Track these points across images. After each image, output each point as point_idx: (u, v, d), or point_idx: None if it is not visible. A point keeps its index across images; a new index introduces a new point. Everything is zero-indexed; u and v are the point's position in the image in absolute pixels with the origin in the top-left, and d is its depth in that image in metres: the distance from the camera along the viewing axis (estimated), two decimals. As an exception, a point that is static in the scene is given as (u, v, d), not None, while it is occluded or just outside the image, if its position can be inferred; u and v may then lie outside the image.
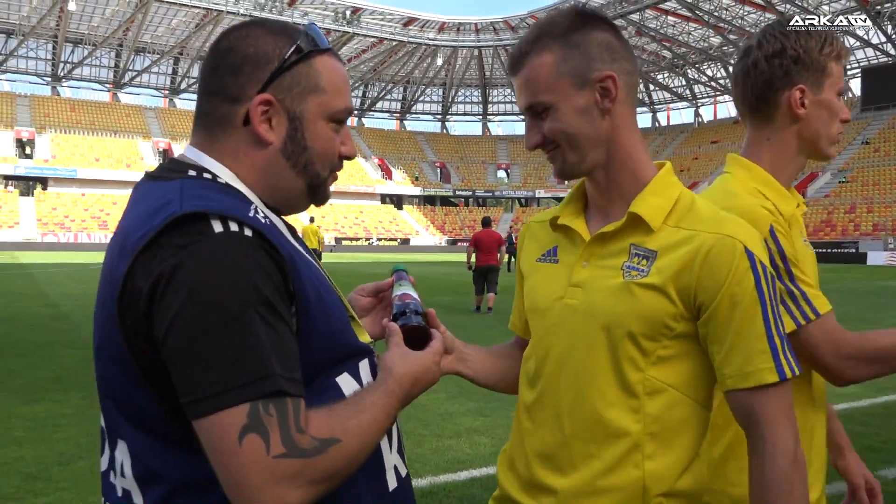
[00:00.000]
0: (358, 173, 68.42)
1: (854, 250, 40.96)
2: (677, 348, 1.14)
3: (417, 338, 1.15)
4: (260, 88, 0.99)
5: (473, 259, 12.58)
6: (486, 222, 12.65)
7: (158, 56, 64.21)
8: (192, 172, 0.99)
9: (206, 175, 0.99)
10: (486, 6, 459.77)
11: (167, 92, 70.15)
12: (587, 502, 1.15)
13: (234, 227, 0.89)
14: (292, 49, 1.01)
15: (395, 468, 1.07)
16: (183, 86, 69.65)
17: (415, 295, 1.22)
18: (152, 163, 60.39)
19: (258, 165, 1.02)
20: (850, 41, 55.91)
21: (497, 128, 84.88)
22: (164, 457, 0.91)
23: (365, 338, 1.09)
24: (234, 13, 55.52)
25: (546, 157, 1.22)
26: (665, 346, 1.14)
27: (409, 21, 64.24)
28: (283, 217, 1.09)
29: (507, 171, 77.12)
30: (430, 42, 66.36)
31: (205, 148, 1.03)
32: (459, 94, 79.69)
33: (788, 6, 50.62)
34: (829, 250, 42.18)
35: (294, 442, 0.84)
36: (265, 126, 1.00)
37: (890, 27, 52.27)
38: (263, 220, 0.94)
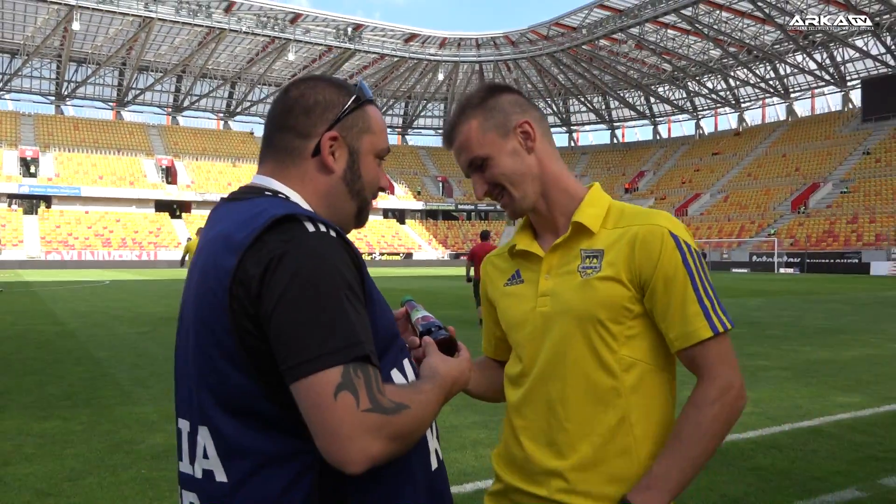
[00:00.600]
0: (360, 188, 68.65)
1: (857, 261, 40.92)
2: (639, 327, 1.35)
3: (447, 348, 1.29)
4: (328, 127, 1.21)
5: (472, 272, 12.58)
6: (485, 235, 12.85)
7: (161, 74, 64.66)
8: (268, 193, 1.19)
9: (280, 195, 1.19)
10: (486, 22, 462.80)
11: (170, 109, 70.57)
12: (591, 475, 1.33)
13: (322, 227, 1.08)
14: (352, 99, 1.23)
15: (436, 451, 1.24)
16: (186, 103, 70.09)
17: (432, 316, 1.35)
18: (155, 180, 60.70)
19: (321, 190, 1.22)
20: (849, 53, 56.16)
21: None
22: (250, 434, 1.05)
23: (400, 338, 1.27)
24: (236, 31, 56.00)
25: (499, 204, 1.44)
26: (629, 326, 1.35)
27: (411, 37, 64.64)
28: None
29: (509, 185, 77.29)
30: (432, 57, 66.73)
31: (275, 175, 1.22)
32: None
33: (787, 18, 50.89)
34: (831, 261, 42.15)
35: (378, 400, 1.00)
36: (331, 157, 1.21)
37: (889, 38, 52.47)
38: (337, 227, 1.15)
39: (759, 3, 48.72)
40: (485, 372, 1.62)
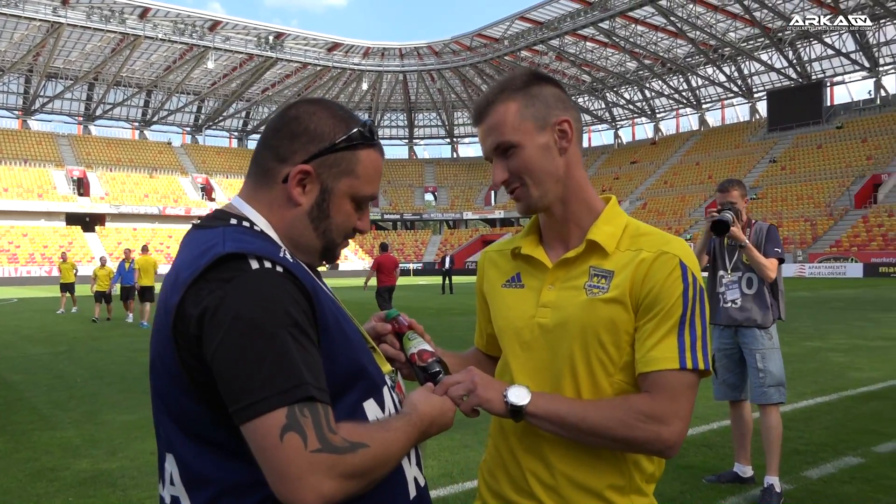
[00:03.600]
0: (284, 199, 67.53)
1: (767, 263, 42.98)
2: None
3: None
4: (307, 159, 1.17)
5: (373, 281, 13.83)
6: (385, 247, 13.86)
7: (72, 82, 61.91)
8: (233, 221, 1.17)
9: (245, 223, 1.17)
10: (408, 32, 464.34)
11: (81, 118, 67.61)
12: (583, 488, 1.32)
13: (267, 264, 1.05)
14: (344, 137, 1.18)
15: (415, 479, 1.22)
16: (98, 112, 67.33)
17: (431, 349, 1.34)
18: (66, 192, 58.00)
19: (286, 220, 1.19)
20: (755, 66, 59.08)
21: (423, 151, 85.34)
22: (212, 463, 1.06)
23: (386, 367, 1.25)
24: (151, 38, 54.23)
25: (510, 195, 1.39)
26: (628, 353, 1.32)
27: (334, 46, 64.15)
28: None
29: (434, 194, 77.56)
30: (355, 67, 66.40)
31: (249, 198, 1.21)
32: (385, 118, 79.89)
33: (698, 33, 53.14)
34: (744, 264, 44.13)
35: (327, 440, 0.99)
36: (298, 190, 1.17)
37: (791, 53, 55.48)
38: (291, 261, 1.11)
39: (672, 18, 50.70)
40: (472, 363, 1.59)
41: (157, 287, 16.01)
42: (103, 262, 18.32)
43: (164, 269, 24.63)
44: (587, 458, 1.32)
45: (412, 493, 1.19)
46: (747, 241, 4.28)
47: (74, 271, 20.00)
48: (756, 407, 4.39)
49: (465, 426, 5.69)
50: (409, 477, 1.20)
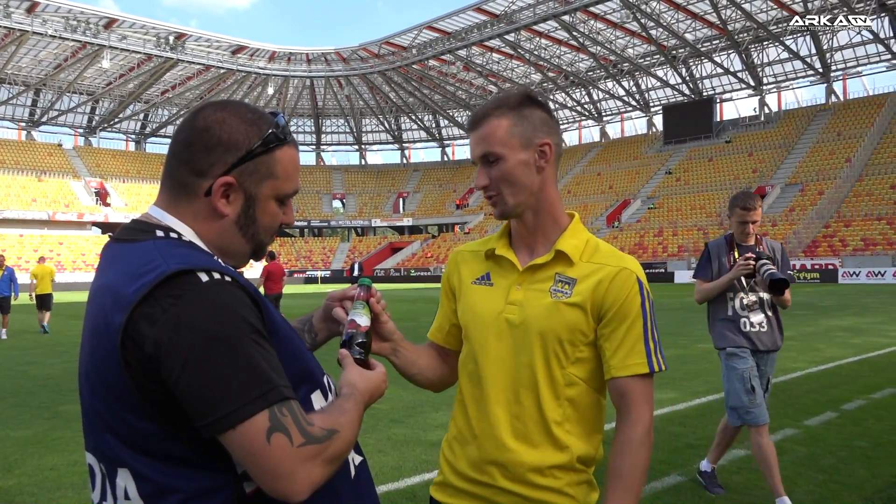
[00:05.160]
0: (185, 205, 65.25)
1: (663, 270, 45.01)
2: (588, 353, 1.52)
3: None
4: (226, 170, 1.16)
5: (262, 289, 13.81)
6: (273, 256, 14.27)
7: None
8: (159, 233, 1.15)
9: (172, 234, 1.15)
10: (314, 38, 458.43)
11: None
12: (532, 459, 1.49)
13: (216, 276, 1.07)
14: (260, 142, 1.18)
15: (352, 459, 1.27)
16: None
17: (362, 322, 1.41)
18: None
19: (213, 231, 1.19)
20: (652, 81, 61.89)
21: (331, 158, 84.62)
22: (170, 473, 1.06)
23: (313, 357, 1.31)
24: (40, 34, 51.34)
25: (488, 201, 1.58)
26: (580, 350, 1.51)
27: (239, 49, 62.71)
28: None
29: (342, 201, 76.96)
30: (261, 71, 65.08)
31: (169, 209, 1.19)
32: (292, 124, 78.63)
33: (599, 48, 55.21)
34: (642, 271, 46.00)
35: (308, 432, 1.05)
36: (223, 201, 1.17)
37: (684, 70, 58.49)
38: (232, 268, 1.14)
39: (574, 34, 52.48)
40: (425, 359, 1.71)
41: (56, 296, 14.98)
42: (42, 259, 16.83)
43: (61, 277, 23.30)
44: (535, 440, 1.50)
45: (352, 472, 1.26)
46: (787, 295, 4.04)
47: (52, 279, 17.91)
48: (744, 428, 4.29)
49: (376, 430, 5.72)
50: (349, 458, 1.25)
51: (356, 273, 28.19)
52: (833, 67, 54.57)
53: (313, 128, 79.75)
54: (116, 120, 70.70)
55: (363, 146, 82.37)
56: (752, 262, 3.97)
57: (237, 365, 1.01)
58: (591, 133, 72.91)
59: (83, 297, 34.37)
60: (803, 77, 57.19)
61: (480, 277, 1.63)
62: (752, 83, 58.02)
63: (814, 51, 52.76)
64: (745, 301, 4.13)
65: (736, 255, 4.21)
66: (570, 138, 74.63)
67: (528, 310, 1.52)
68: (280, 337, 1.15)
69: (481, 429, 1.54)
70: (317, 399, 1.21)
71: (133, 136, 74.30)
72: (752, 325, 4.12)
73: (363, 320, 1.41)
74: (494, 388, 1.53)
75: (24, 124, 66.85)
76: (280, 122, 1.23)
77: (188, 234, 1.17)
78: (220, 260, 1.16)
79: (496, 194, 1.53)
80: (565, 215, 1.61)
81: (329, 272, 61.87)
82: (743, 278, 4.09)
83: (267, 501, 1.08)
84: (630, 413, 1.47)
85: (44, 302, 16.41)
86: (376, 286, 1.54)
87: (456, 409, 1.64)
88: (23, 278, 23.54)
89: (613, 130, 71.32)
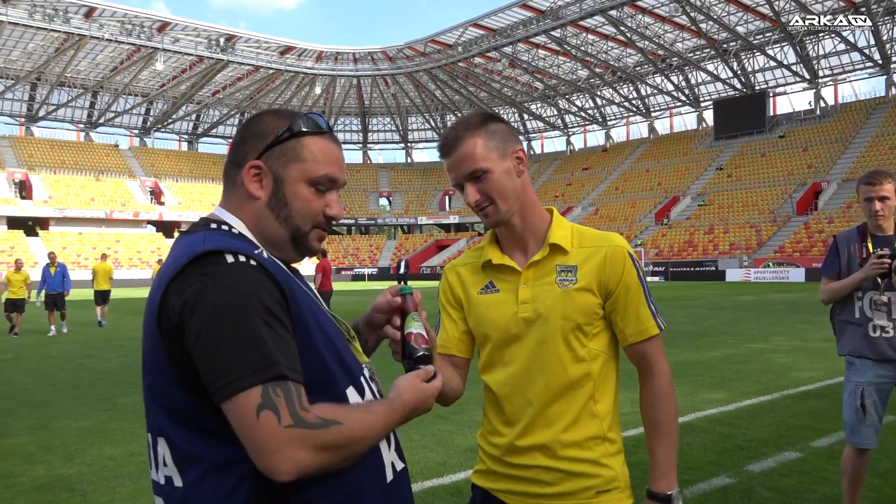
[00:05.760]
0: (236, 203, 66.49)
1: (714, 268, 44.12)
2: (601, 326, 1.69)
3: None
4: (257, 156, 1.28)
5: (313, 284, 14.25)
6: (325, 253, 14.84)
7: (13, 82, 60.00)
8: (213, 225, 1.27)
9: (223, 227, 1.27)
10: (360, 37, 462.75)
11: (23, 119, 65.52)
12: (571, 441, 1.64)
13: (242, 258, 1.16)
14: (286, 129, 1.28)
15: (392, 464, 1.31)
16: (41, 113, 65.37)
17: (426, 334, 1.42)
18: (8, 195, 56.16)
19: (251, 216, 1.29)
20: (702, 76, 60.69)
21: (378, 156, 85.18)
22: (198, 444, 1.15)
23: (362, 358, 1.36)
24: (97, 38, 52.96)
25: (479, 213, 1.68)
26: (595, 326, 1.67)
27: (287, 49, 63.64)
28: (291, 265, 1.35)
29: (388, 199, 77.47)
30: (308, 71, 65.92)
31: (223, 205, 1.32)
32: (339, 122, 79.50)
33: (647, 43, 54.35)
34: (691, 269, 45.17)
35: (300, 416, 1.08)
36: (255, 185, 1.28)
37: (735, 64, 57.18)
38: (266, 257, 1.21)
39: (622, 28, 51.77)
40: (448, 370, 1.75)
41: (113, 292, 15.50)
42: (18, 265, 16.00)
43: (118, 273, 24.07)
44: (570, 417, 1.65)
45: (389, 476, 1.28)
46: None
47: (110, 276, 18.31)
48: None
49: (420, 426, 5.79)
50: (387, 461, 1.29)
51: (402, 270, 28.30)
52: (894, 59, 52.64)
53: (360, 126, 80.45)
54: (170, 121, 72.48)
55: (409, 144, 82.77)
56: (888, 261, 3.33)
57: (242, 340, 1.08)
58: (639, 129, 71.86)
59: (139, 293, 35.38)
60: (861, 69, 55.28)
61: (485, 287, 1.74)
62: (806, 76, 56.35)
63: (872, 42, 50.96)
64: (876, 302, 3.46)
65: (869, 246, 3.52)
66: (617, 134, 73.81)
67: (542, 304, 1.64)
68: (310, 329, 1.20)
69: (517, 418, 1.67)
70: (352, 396, 1.24)
71: (185, 137, 76.06)
72: (882, 330, 3.45)
73: (421, 331, 1.42)
74: (525, 380, 1.66)
75: (82, 126, 69.05)
76: (313, 116, 1.32)
77: (239, 226, 1.28)
78: (265, 252, 1.24)
79: (489, 205, 1.65)
80: (545, 211, 1.75)
81: (376, 269, 62.37)
82: (876, 277, 3.42)
83: (298, 484, 1.11)
84: (652, 369, 1.68)
85: (102, 297, 17.26)
86: (424, 284, 1.56)
87: (487, 407, 1.77)
88: (83, 274, 24.38)
89: (662, 126, 70.25)
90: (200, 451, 1.15)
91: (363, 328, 1.55)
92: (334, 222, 1.35)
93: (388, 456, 1.30)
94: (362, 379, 1.30)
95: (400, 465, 1.33)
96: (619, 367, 1.75)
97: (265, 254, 1.22)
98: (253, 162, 1.27)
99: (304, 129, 1.29)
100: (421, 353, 1.38)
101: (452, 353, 1.80)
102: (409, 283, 29.00)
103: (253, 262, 1.16)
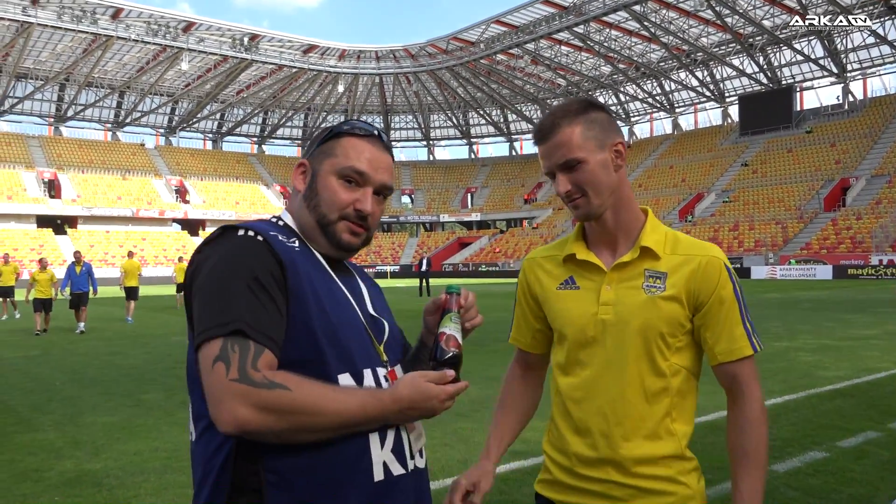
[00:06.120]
0: (260, 201, 67.10)
1: (739, 265, 43.60)
2: (686, 341, 1.57)
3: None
4: (305, 156, 1.44)
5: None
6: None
7: (42, 82, 61.06)
8: (270, 217, 1.43)
9: (274, 218, 1.42)
10: (382, 35, 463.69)
11: (52, 119, 66.65)
12: (643, 452, 1.53)
13: (250, 233, 1.28)
14: (329, 133, 1.42)
15: (385, 464, 1.28)
16: (70, 113, 66.46)
17: (453, 335, 1.37)
18: (37, 195, 57.14)
19: (295, 208, 1.42)
20: (727, 71, 59.99)
21: (400, 153, 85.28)
22: (203, 402, 1.22)
23: (382, 357, 1.36)
24: (124, 39, 53.67)
25: (569, 205, 1.59)
26: (680, 339, 1.56)
27: (310, 48, 64.00)
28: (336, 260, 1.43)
29: (410, 197, 77.62)
30: (331, 69, 66.26)
31: (289, 202, 1.46)
32: (362, 120, 79.59)
33: (671, 38, 53.84)
34: (716, 266, 44.66)
35: (246, 373, 1.14)
36: (299, 180, 1.42)
37: (762, 58, 56.45)
38: (289, 244, 1.31)
39: (646, 23, 51.35)
40: (513, 416, 1.77)
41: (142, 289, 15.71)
42: (43, 264, 15.95)
43: (144, 271, 24.45)
44: (646, 433, 1.54)
45: (377, 475, 1.26)
46: None
47: (16, 274, 18.55)
48: None
49: (442, 424, 5.79)
50: (377, 459, 1.26)
51: (424, 268, 28.28)
52: (924, 52, 51.63)
53: (382, 124, 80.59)
54: (194, 120, 73.26)
55: (431, 142, 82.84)
56: None
57: (220, 298, 1.19)
58: (663, 125, 71.29)
59: (164, 290, 35.82)
60: (892, 62, 54.26)
61: (565, 282, 1.65)
62: (834, 70, 55.48)
63: (903, 35, 50.03)
64: None
65: None
66: (640, 130, 73.14)
67: (624, 308, 1.55)
68: (308, 307, 1.25)
69: (588, 427, 1.57)
70: (344, 381, 1.25)
71: (210, 136, 76.83)
72: None
73: (454, 333, 1.37)
74: (598, 387, 1.57)
75: (109, 125, 70.08)
76: (356, 121, 1.44)
77: (286, 218, 1.42)
78: (297, 242, 1.34)
79: (580, 197, 1.56)
80: (640, 211, 1.64)
81: (398, 267, 62.53)
82: None
83: (263, 448, 1.18)
84: (743, 393, 1.54)
85: (130, 293, 17.77)
86: (445, 282, 1.51)
87: (555, 411, 1.67)
88: (110, 272, 24.73)
89: (686, 122, 69.71)
90: (204, 409, 1.21)
91: (425, 336, 1.51)
92: (367, 219, 1.39)
93: (381, 455, 1.27)
94: (369, 373, 1.29)
95: (398, 470, 1.30)
96: (698, 384, 1.63)
97: (292, 242, 1.32)
98: (300, 160, 1.43)
99: (343, 130, 1.41)
100: (450, 356, 1.33)
101: (522, 349, 1.79)
102: (431, 281, 29.01)
103: (260, 238, 1.26)
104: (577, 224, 1.69)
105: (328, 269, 1.36)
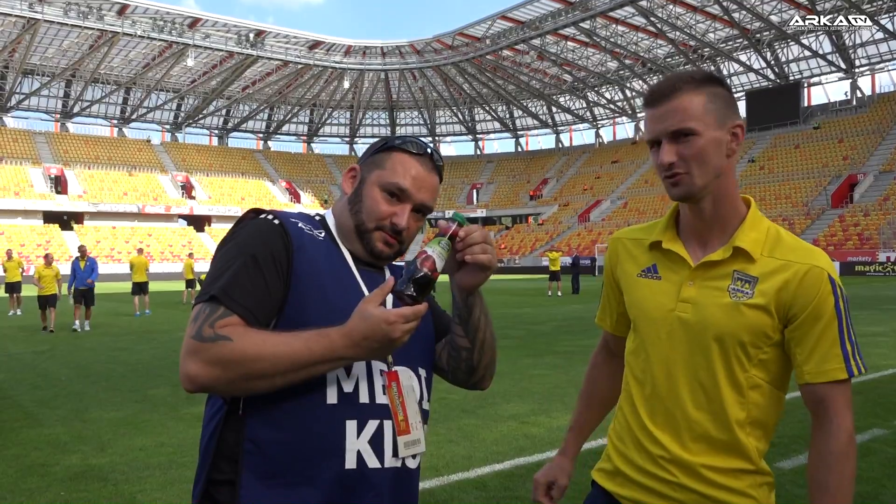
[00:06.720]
0: (265, 197, 67.18)
1: (745, 262, 43.47)
2: (772, 353, 1.43)
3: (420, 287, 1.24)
4: (358, 162, 1.50)
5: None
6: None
7: (49, 79, 61.21)
8: (314, 214, 1.50)
9: (317, 214, 1.49)
10: (389, 31, 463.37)
11: (59, 115, 66.82)
12: (713, 462, 1.43)
13: (269, 217, 1.36)
14: (382, 145, 1.46)
15: (360, 454, 1.28)
16: (76, 109, 66.62)
17: (439, 263, 1.26)
18: (44, 190, 57.32)
19: (339, 208, 1.47)
20: (734, 66, 59.75)
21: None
22: None
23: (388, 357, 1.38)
24: (130, 35, 53.75)
25: (667, 181, 1.44)
26: (764, 351, 1.42)
27: (315, 44, 63.95)
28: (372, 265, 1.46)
29: (416, 193, 77.45)
30: (337, 65, 66.21)
31: (335, 203, 1.52)
32: (367, 116, 79.83)
33: (678, 33, 53.63)
34: (722, 262, 44.58)
35: (201, 331, 1.21)
36: (348, 183, 1.48)
37: (769, 54, 56.18)
38: (309, 232, 1.37)
39: (652, 19, 51.15)
40: (596, 406, 1.77)
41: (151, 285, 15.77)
42: (49, 260, 15.69)
43: (152, 267, 24.57)
44: (717, 443, 1.44)
45: (350, 463, 1.26)
46: None
47: (21, 269, 18.86)
48: None
49: (447, 420, 5.79)
50: (351, 447, 1.26)
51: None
52: (933, 47, 51.30)
53: (388, 120, 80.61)
54: (200, 116, 73.33)
55: (437, 137, 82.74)
56: None
57: (218, 268, 1.29)
58: (670, 121, 70.76)
59: (170, 286, 35.91)
60: (900, 58, 53.98)
61: (646, 269, 1.55)
62: (842, 66, 55.18)
63: (912, 30, 49.70)
64: None
65: None
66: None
67: (705, 310, 1.43)
68: (306, 291, 1.30)
69: (654, 425, 1.49)
70: None
71: (216, 132, 76.88)
72: None
73: (435, 256, 1.26)
74: (668, 389, 1.47)
75: (115, 122, 70.18)
76: (411, 138, 1.47)
77: (326, 215, 1.48)
78: (325, 234, 1.41)
79: (684, 173, 1.41)
80: (742, 203, 1.50)
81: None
82: None
83: (249, 421, 1.25)
84: (831, 421, 1.38)
85: (140, 288, 18.41)
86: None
87: (623, 401, 1.59)
88: (116, 268, 24.86)
89: (693, 118, 69.04)
90: None
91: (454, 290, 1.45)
92: (402, 233, 1.40)
93: (356, 443, 1.27)
94: (362, 365, 1.30)
95: (374, 463, 1.29)
96: (784, 397, 1.50)
97: (317, 233, 1.39)
98: (352, 165, 1.49)
99: (396, 144, 1.44)
100: (420, 275, 1.22)
101: (607, 330, 1.74)
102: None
103: (276, 221, 1.34)
104: (671, 207, 1.56)
105: (350, 261, 1.41)
